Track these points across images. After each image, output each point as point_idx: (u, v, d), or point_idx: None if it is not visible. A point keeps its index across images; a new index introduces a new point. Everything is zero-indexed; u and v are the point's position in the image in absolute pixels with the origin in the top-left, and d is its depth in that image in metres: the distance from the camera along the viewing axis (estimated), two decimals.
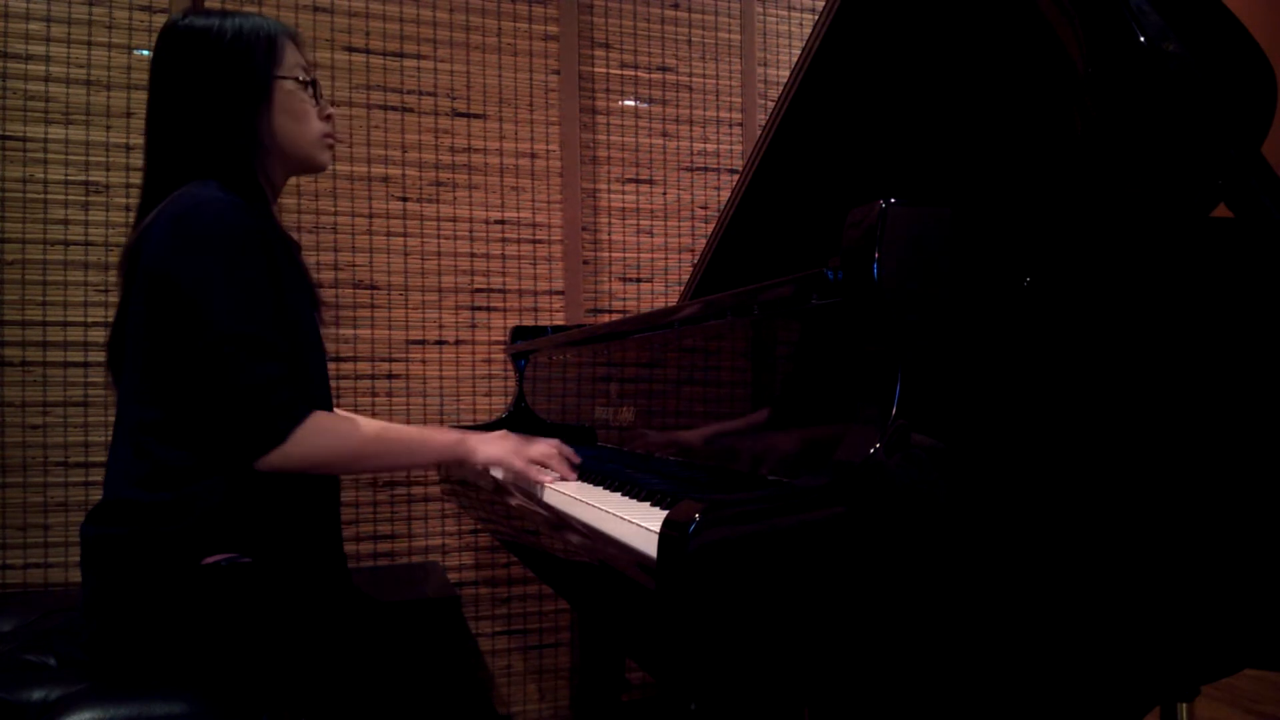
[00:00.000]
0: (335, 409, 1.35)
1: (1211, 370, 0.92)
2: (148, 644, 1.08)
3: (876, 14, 1.39)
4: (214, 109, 1.18)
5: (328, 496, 1.27)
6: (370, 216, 2.21)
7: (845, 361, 0.87)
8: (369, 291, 2.21)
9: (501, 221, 2.33)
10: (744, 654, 0.71)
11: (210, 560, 1.10)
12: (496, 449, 1.29)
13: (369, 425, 1.20)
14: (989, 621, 0.79)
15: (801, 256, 1.54)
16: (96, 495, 1.92)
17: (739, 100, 2.57)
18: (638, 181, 2.47)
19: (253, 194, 1.20)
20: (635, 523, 0.91)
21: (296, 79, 1.23)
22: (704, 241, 2.11)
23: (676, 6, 2.51)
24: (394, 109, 2.24)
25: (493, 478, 1.40)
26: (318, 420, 1.10)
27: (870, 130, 1.51)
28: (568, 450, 1.35)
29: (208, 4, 2.09)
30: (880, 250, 0.79)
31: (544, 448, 1.32)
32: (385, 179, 2.23)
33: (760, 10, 2.60)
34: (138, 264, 1.15)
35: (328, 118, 1.28)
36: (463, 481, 1.75)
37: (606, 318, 2.42)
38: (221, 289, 1.08)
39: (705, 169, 2.54)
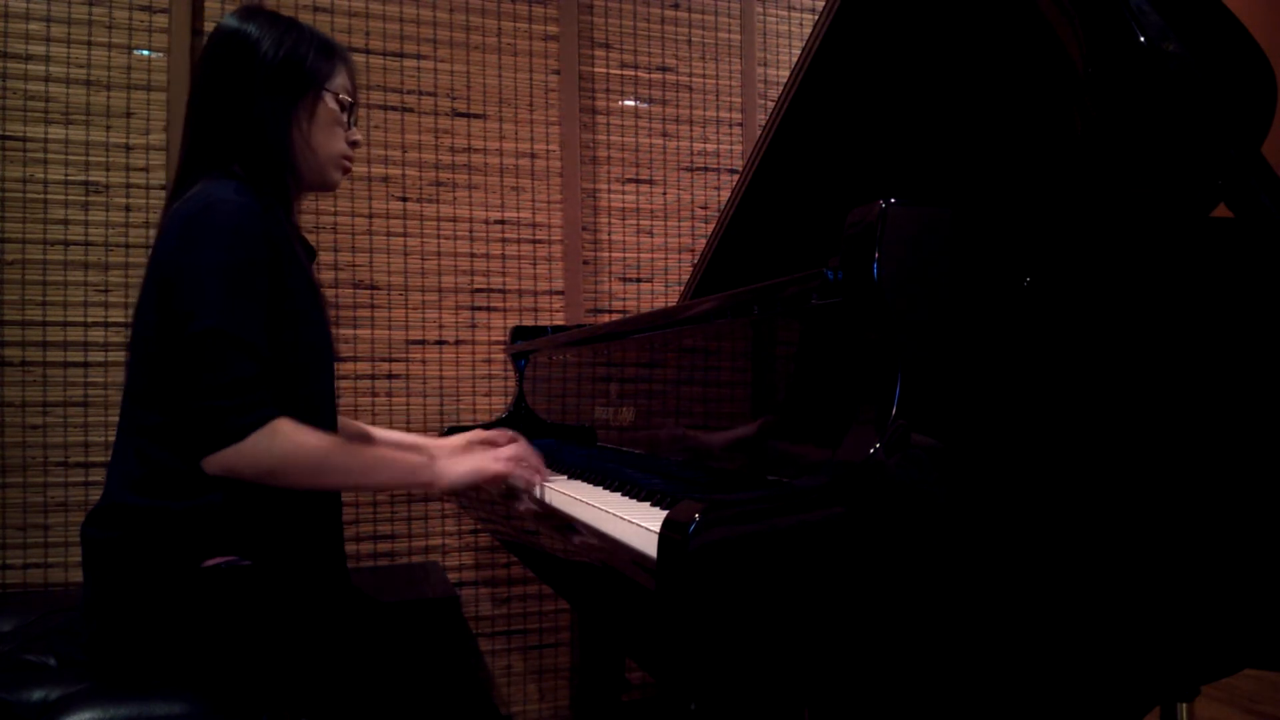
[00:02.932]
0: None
1: (1211, 370, 0.92)
2: (148, 645, 1.08)
3: (876, 14, 1.39)
4: (260, 100, 1.19)
5: (329, 499, 1.27)
6: (370, 216, 2.21)
7: (845, 361, 0.87)
8: (369, 291, 2.21)
9: (501, 221, 2.33)
10: (744, 654, 0.71)
11: (210, 563, 1.10)
12: (460, 472, 1.22)
13: (332, 440, 1.13)
14: (989, 622, 0.79)
15: (801, 256, 1.54)
16: (96, 495, 1.92)
17: (739, 100, 2.57)
18: (638, 181, 2.47)
19: (275, 193, 1.21)
20: (635, 523, 0.91)
21: (339, 98, 1.26)
22: (704, 241, 2.11)
23: (676, 6, 2.51)
24: (394, 109, 2.24)
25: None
26: (281, 426, 1.07)
27: (870, 130, 1.51)
28: (530, 454, 1.30)
29: (207, 4, 2.09)
30: (880, 250, 0.79)
31: (506, 464, 1.26)
32: (385, 179, 2.23)
33: (760, 10, 2.60)
34: (150, 262, 1.16)
35: (353, 143, 1.30)
36: None
37: (606, 318, 2.42)
38: (210, 286, 1.07)
39: (705, 169, 2.54)
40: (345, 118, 1.28)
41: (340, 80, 1.27)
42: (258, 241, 1.12)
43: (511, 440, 1.46)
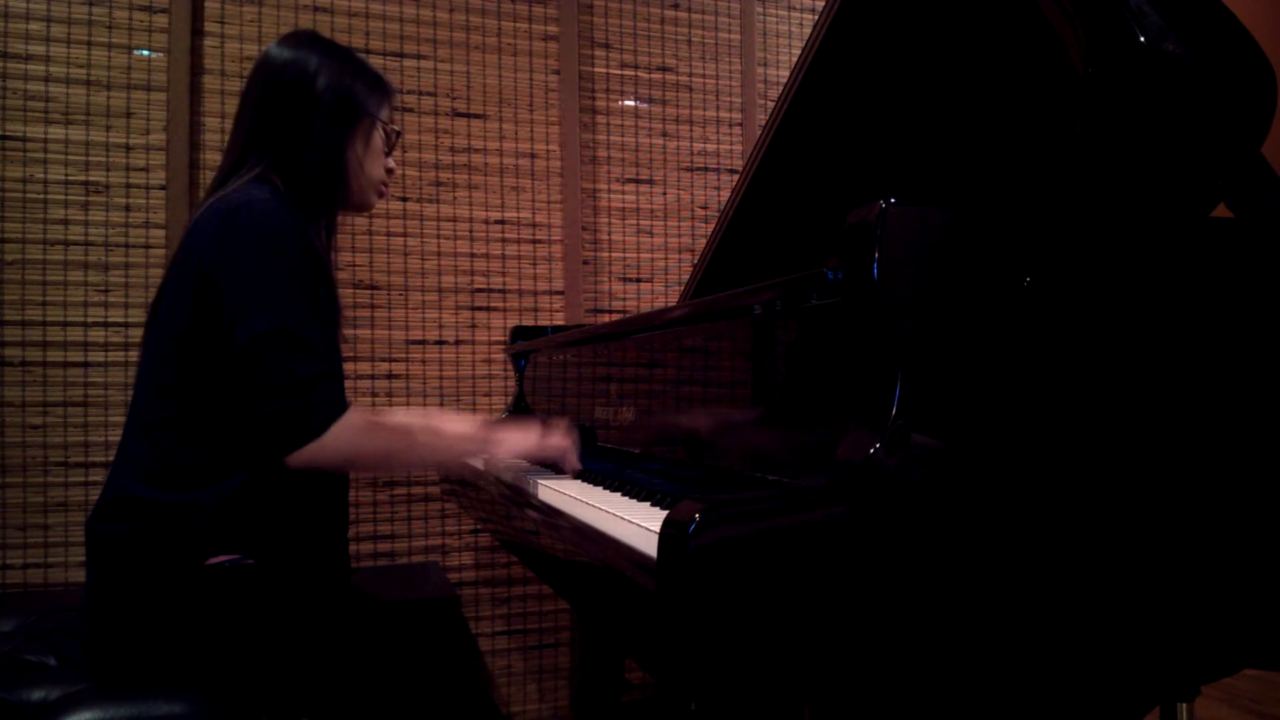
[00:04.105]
0: None
1: (1211, 370, 0.92)
2: (149, 643, 1.08)
3: (876, 14, 1.39)
4: (320, 126, 1.24)
5: (336, 499, 1.27)
6: (370, 216, 2.21)
7: (845, 361, 0.87)
8: (369, 291, 2.21)
9: (501, 221, 2.33)
10: (744, 654, 0.71)
11: (214, 561, 1.10)
12: (523, 447, 1.33)
13: (399, 424, 1.22)
14: (989, 622, 0.79)
15: (801, 256, 1.54)
16: (97, 495, 1.92)
17: (739, 100, 2.57)
18: (638, 181, 2.47)
19: (323, 210, 1.28)
20: (635, 523, 0.91)
21: (387, 128, 1.34)
22: (704, 241, 2.11)
23: (676, 6, 2.51)
24: (394, 109, 2.24)
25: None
26: (354, 416, 1.12)
27: (870, 130, 1.51)
28: (574, 455, 1.40)
29: (208, 4, 2.09)
30: (880, 250, 0.79)
31: (559, 448, 1.36)
32: None
33: (760, 10, 2.60)
34: (181, 255, 1.17)
35: (390, 170, 1.37)
36: (462, 481, 1.75)
37: (606, 318, 2.43)
38: (265, 287, 1.09)
39: (705, 169, 2.54)
40: (387, 145, 1.36)
41: (386, 112, 1.35)
42: (299, 240, 1.14)
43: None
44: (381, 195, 1.37)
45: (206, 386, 1.12)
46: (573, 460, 1.37)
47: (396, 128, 1.37)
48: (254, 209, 1.13)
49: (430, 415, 1.43)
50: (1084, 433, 0.84)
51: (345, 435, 1.10)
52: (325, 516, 1.24)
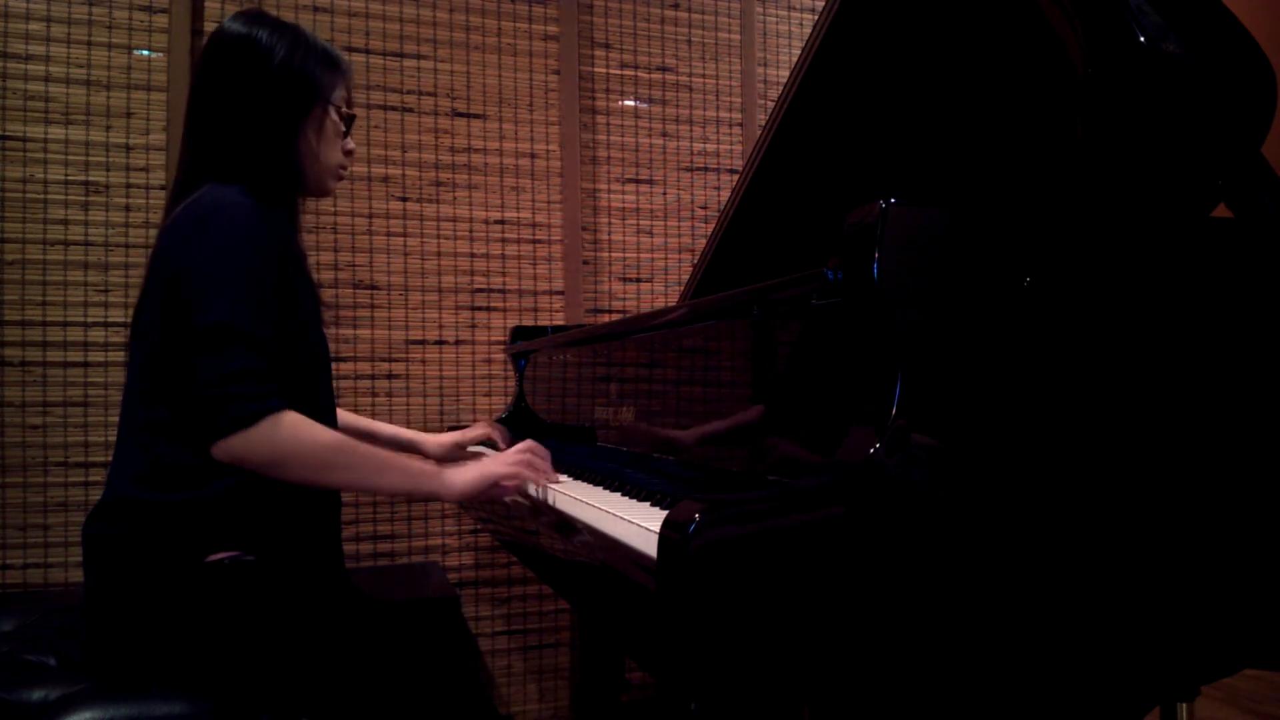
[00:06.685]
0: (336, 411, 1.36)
1: (1211, 370, 0.92)
2: (149, 643, 1.08)
3: (877, 14, 1.39)
4: (272, 112, 1.21)
5: (329, 497, 1.27)
6: (370, 216, 2.21)
7: (845, 362, 0.87)
8: (369, 291, 2.21)
9: (501, 221, 2.33)
10: (744, 654, 0.71)
11: (213, 558, 1.10)
12: (467, 480, 1.20)
13: (341, 437, 1.14)
14: (989, 622, 0.79)
15: (801, 256, 1.54)
16: (96, 495, 1.92)
17: (739, 100, 2.57)
18: (638, 181, 2.47)
19: (282, 200, 1.24)
20: (635, 523, 0.91)
21: (340, 109, 1.30)
22: (704, 241, 2.11)
23: (676, 6, 2.51)
24: (394, 109, 2.24)
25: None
26: (288, 417, 1.08)
27: (870, 130, 1.51)
28: (541, 453, 1.28)
29: (208, 4, 2.09)
30: (880, 250, 0.79)
31: (512, 467, 1.23)
32: (385, 179, 2.23)
33: (760, 10, 2.60)
34: (155, 261, 1.17)
35: (348, 152, 1.34)
36: None
37: (606, 318, 2.42)
38: (220, 281, 1.09)
39: (705, 169, 2.54)
40: (343, 127, 1.31)
41: (340, 92, 1.30)
42: (267, 244, 1.13)
43: (491, 435, 1.58)
44: (340, 179, 1.34)
45: (187, 388, 1.11)
46: (531, 474, 1.23)
47: (351, 111, 1.32)
48: (226, 212, 1.12)
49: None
50: (1084, 433, 0.84)
51: (274, 434, 1.06)
52: (320, 511, 1.24)
